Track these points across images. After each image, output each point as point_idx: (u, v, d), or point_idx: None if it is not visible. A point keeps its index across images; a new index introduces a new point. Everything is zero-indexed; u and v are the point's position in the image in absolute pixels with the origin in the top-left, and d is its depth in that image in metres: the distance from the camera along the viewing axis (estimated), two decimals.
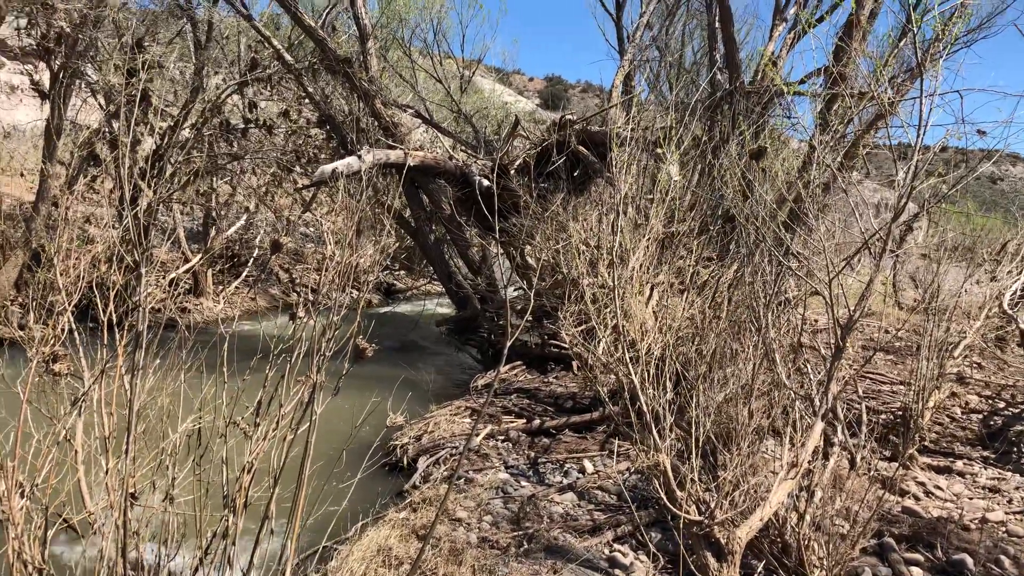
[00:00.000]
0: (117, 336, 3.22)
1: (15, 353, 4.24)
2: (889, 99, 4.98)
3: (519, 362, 9.04)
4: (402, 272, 17.21)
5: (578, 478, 5.48)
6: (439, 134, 12.04)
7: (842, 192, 6.43)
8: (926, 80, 3.90)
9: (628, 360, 3.49)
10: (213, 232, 12.99)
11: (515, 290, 11.79)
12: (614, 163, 5.11)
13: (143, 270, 2.49)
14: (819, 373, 4.84)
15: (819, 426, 3.72)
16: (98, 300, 3.31)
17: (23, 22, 9.37)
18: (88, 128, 10.63)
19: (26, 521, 2.87)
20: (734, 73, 9.42)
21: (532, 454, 6.01)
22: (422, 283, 16.14)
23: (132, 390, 2.52)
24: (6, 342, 4.71)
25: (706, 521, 3.14)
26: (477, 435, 5.54)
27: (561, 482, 5.42)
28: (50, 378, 3.05)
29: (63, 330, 3.01)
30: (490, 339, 10.03)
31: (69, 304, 3.04)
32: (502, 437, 6.35)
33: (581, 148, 9.80)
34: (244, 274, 13.81)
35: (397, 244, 13.54)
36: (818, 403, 3.80)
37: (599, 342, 5.58)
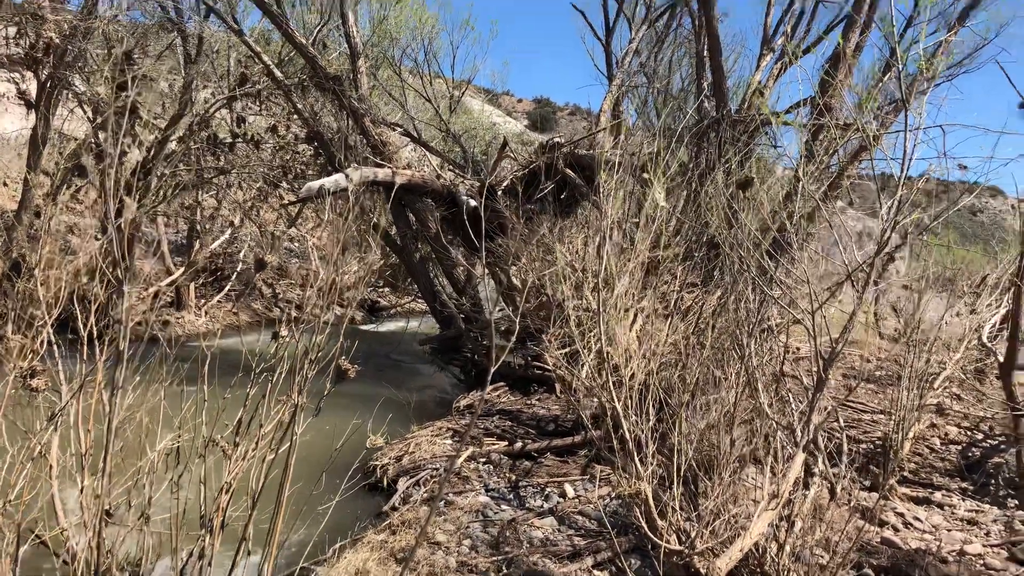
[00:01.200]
0: (97, 350, 3.18)
1: None
2: (874, 132, 5.05)
3: (502, 383, 9.02)
4: (386, 289, 17.17)
5: (559, 503, 5.45)
6: (427, 153, 12.07)
7: (826, 222, 6.50)
8: (910, 116, 3.97)
9: (612, 385, 3.49)
10: (197, 245, 12.91)
11: (499, 311, 11.79)
12: (601, 187, 5.14)
13: (126, 287, 2.47)
14: (801, 402, 4.86)
15: (800, 457, 3.73)
16: (78, 313, 3.28)
17: (11, 31, 9.32)
18: (75, 139, 10.57)
19: None
20: (721, 101, 9.53)
21: (513, 477, 5.98)
22: (406, 301, 16.10)
23: (111, 407, 2.48)
24: None
25: (686, 551, 3.13)
26: (460, 457, 5.51)
27: (542, 506, 5.39)
28: (27, 392, 3.01)
29: (42, 344, 2.97)
30: (473, 359, 10.00)
31: (50, 318, 3.00)
32: (483, 459, 6.31)
33: (568, 171, 9.86)
34: (227, 288, 13.72)
35: (382, 262, 13.52)
36: (800, 434, 3.81)
37: (583, 366, 5.59)
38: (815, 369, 3.91)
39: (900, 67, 4.31)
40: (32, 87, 10.35)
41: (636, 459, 3.27)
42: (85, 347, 3.18)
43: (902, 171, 3.82)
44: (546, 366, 8.92)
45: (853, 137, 6.60)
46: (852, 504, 4.76)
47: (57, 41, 8.76)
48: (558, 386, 8.53)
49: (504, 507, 5.35)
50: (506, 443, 6.66)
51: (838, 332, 3.93)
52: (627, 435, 3.33)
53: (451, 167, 11.51)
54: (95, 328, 3.25)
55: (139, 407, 2.97)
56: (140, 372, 3.18)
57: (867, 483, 5.99)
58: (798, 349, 9.21)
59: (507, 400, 8.53)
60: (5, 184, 12.89)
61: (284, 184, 12.45)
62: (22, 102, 11.01)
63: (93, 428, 3.06)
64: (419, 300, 14.98)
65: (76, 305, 3.35)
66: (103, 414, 3.10)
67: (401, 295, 16.65)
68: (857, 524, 4.06)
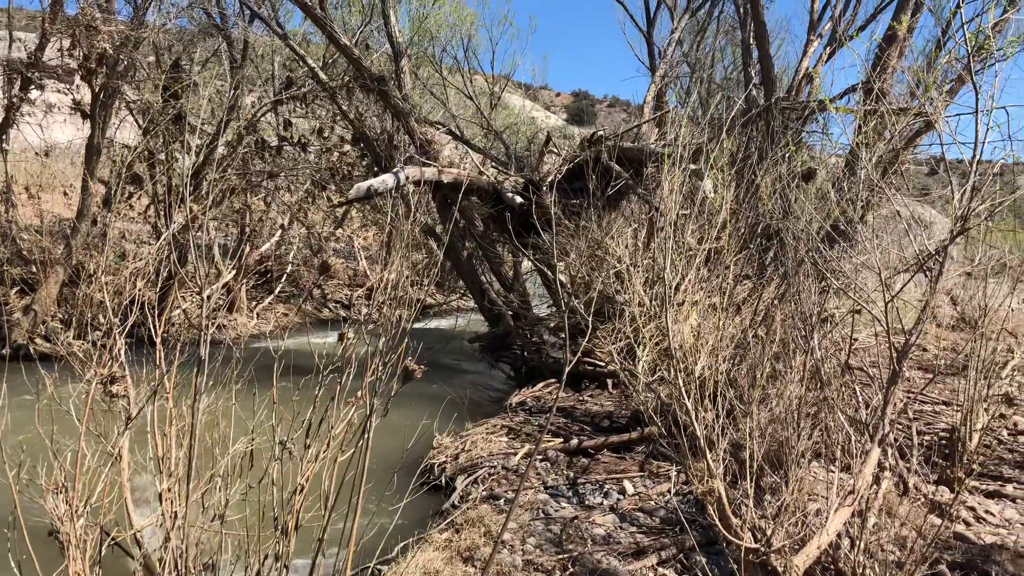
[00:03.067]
0: (160, 354, 3.23)
1: (47, 367, 4.27)
2: (935, 115, 4.90)
3: (553, 380, 9.00)
4: (431, 288, 17.25)
5: (619, 499, 5.40)
6: (469, 151, 12.09)
7: (886, 209, 6.34)
8: (980, 97, 3.83)
9: (681, 380, 3.44)
10: (247, 248, 13.11)
11: (547, 307, 11.75)
12: (655, 181, 5.08)
13: (206, 294, 2.49)
14: (868, 394, 4.74)
15: (876, 452, 3.63)
16: (147, 319, 3.33)
17: (66, 43, 9.55)
18: (127, 147, 10.80)
19: (81, 541, 2.87)
20: (770, 89, 9.36)
21: (571, 474, 5.95)
22: (453, 299, 16.16)
23: (193, 412, 2.52)
24: (54, 359, 4.76)
25: (763, 548, 3.07)
26: (527, 455, 5.49)
27: (602, 503, 5.35)
28: (104, 398, 3.07)
29: (119, 350, 3.02)
30: (523, 356, 9.98)
31: (123, 325, 3.06)
32: (540, 456, 6.30)
33: (614, 165, 9.78)
34: (277, 290, 13.92)
35: (429, 260, 13.60)
36: (873, 428, 3.71)
37: (639, 361, 5.53)
38: (886, 360, 3.81)
39: (967, 46, 4.17)
40: (85, 97, 10.61)
41: (708, 456, 3.22)
42: (160, 353, 3.23)
43: (975, 156, 3.69)
44: (597, 362, 8.87)
45: (912, 121, 6.43)
46: (925, 499, 4.63)
47: (110, 51, 8.95)
48: (610, 382, 8.48)
49: (564, 504, 5.33)
50: (561, 440, 6.63)
51: (903, 322, 3.82)
52: (697, 431, 3.28)
53: (494, 164, 11.50)
54: (158, 331, 3.30)
55: (214, 410, 3.01)
56: (211, 375, 3.22)
57: (935, 477, 5.84)
58: (855, 340, 9.01)
59: (559, 397, 8.50)
60: (65, 193, 13.23)
61: (331, 185, 12.57)
62: (76, 112, 11.28)
63: (168, 432, 3.10)
64: (466, 298, 15.03)
65: (145, 311, 3.41)
66: (175, 417, 3.15)
67: (447, 293, 16.72)
68: (932, 520, 3.95)
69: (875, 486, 4.07)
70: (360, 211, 16.04)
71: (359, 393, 3.04)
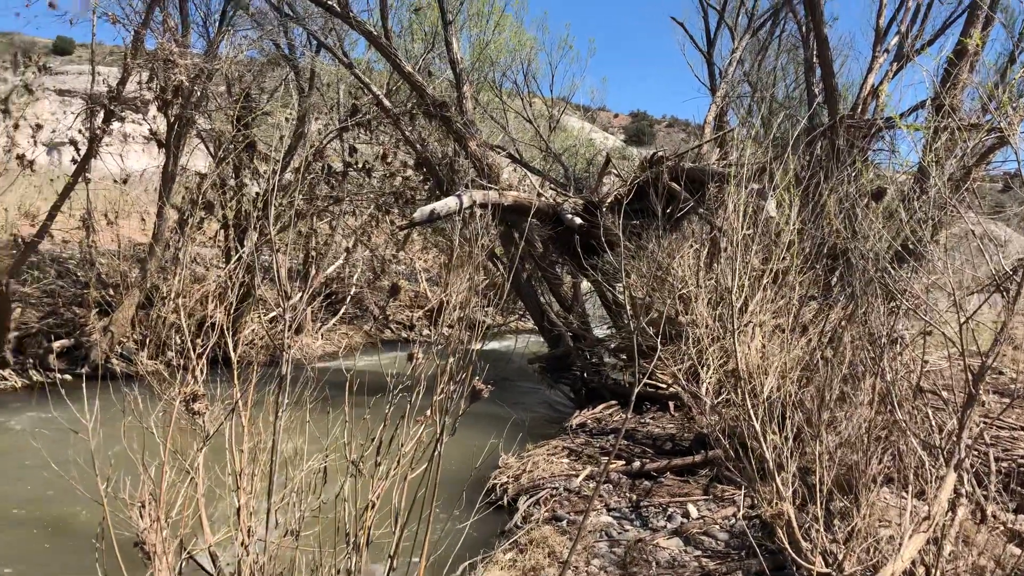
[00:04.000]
0: (236, 372, 3.36)
1: (126, 386, 4.46)
2: (1009, 130, 4.78)
3: (614, 401, 8.96)
4: (491, 308, 17.38)
5: (683, 523, 5.35)
6: (528, 173, 12.20)
7: (957, 228, 6.18)
8: None
9: (750, 404, 3.41)
10: (313, 271, 13.43)
11: (607, 328, 11.72)
12: (719, 202, 5.06)
13: (287, 315, 2.60)
14: (941, 418, 4.61)
15: (952, 477, 3.54)
16: (224, 339, 3.47)
17: (145, 76, 10.01)
18: (200, 174, 11.22)
19: (162, 553, 3.00)
20: (834, 106, 9.23)
21: (634, 497, 5.91)
22: (512, 320, 16.23)
23: (275, 430, 2.62)
24: (135, 378, 4.98)
25: (834, 573, 3.02)
26: (595, 481, 5.49)
27: (665, 526, 5.30)
28: (187, 416, 3.20)
29: (200, 370, 3.16)
30: (583, 377, 9.98)
31: (205, 346, 3.19)
32: (603, 479, 6.28)
33: (674, 184, 9.74)
34: (341, 311, 14.21)
35: (489, 281, 13.71)
36: (948, 453, 3.62)
37: (704, 383, 5.49)
38: (959, 383, 3.71)
39: None
40: (161, 126, 11.09)
41: (777, 480, 3.18)
42: (232, 371, 3.36)
43: None
44: (658, 384, 8.81)
45: (984, 137, 6.26)
46: (1004, 527, 4.47)
47: (186, 83, 9.35)
48: (672, 404, 8.40)
49: (627, 527, 5.30)
50: (624, 462, 6.60)
51: (976, 344, 3.72)
52: (766, 454, 3.25)
53: (552, 185, 11.58)
54: (232, 352, 3.44)
55: (291, 428, 3.11)
56: (282, 394, 3.33)
57: (1013, 505, 5.62)
58: (926, 362, 8.74)
59: (620, 419, 8.46)
60: (142, 219, 13.78)
61: (395, 209, 12.82)
62: (151, 142, 11.78)
63: (245, 449, 3.22)
64: (524, 319, 15.08)
65: (215, 332, 3.55)
66: (252, 435, 3.27)
67: (506, 314, 16.81)
68: (1012, 550, 3.82)
69: (951, 513, 3.95)
70: (421, 234, 16.29)
71: (428, 412, 3.11)
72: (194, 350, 3.15)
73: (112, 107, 9.15)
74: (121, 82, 9.26)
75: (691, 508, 5.62)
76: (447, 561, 3.54)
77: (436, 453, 2.84)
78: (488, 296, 14.08)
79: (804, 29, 10.96)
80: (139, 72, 9.69)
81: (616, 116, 63.66)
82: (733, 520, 5.35)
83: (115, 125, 10.13)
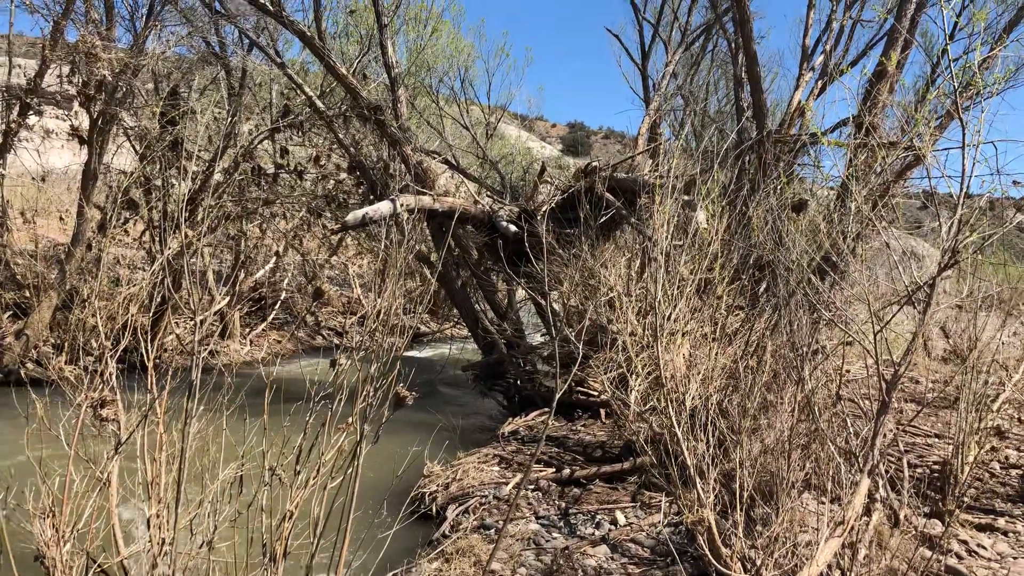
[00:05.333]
0: (152, 379, 3.23)
1: (48, 392, 4.25)
2: (924, 149, 4.97)
3: (547, 409, 8.97)
4: (425, 316, 17.26)
5: (610, 530, 5.37)
6: (465, 180, 12.17)
7: (875, 243, 6.39)
8: (967, 132, 3.89)
9: (673, 410, 3.44)
10: (242, 275, 13.11)
11: (540, 336, 11.76)
12: (651, 212, 5.12)
13: (199, 317, 2.50)
14: (858, 426, 4.75)
15: (865, 482, 3.63)
16: (140, 344, 3.34)
17: (66, 69, 9.63)
18: (124, 172, 10.84)
19: (67, 567, 2.85)
20: (762, 121, 9.47)
21: (563, 504, 5.92)
22: (447, 327, 16.14)
23: (183, 437, 2.51)
24: (45, 383, 4.75)
25: None
26: (517, 486, 5.47)
27: (593, 534, 5.32)
28: (94, 422, 3.06)
29: (110, 375, 3.02)
30: (516, 385, 9.97)
31: (115, 350, 3.06)
32: (532, 486, 6.27)
33: (608, 195, 9.84)
34: (271, 317, 13.90)
35: (422, 288, 13.61)
36: (863, 459, 3.72)
37: (632, 390, 5.53)
38: (876, 392, 3.83)
39: (955, 82, 4.24)
40: (83, 123, 10.67)
41: (699, 486, 3.22)
42: (150, 377, 3.23)
43: (961, 189, 3.74)
44: (590, 391, 8.85)
45: (901, 155, 6.50)
46: (916, 532, 4.62)
47: (109, 78, 9.02)
48: (603, 411, 8.46)
49: (555, 535, 5.29)
50: (553, 470, 6.60)
51: (899, 357, 3.84)
52: (688, 460, 3.28)
53: (489, 193, 11.58)
54: (150, 357, 3.30)
55: (206, 436, 3.00)
56: (202, 401, 3.22)
57: (926, 509, 5.82)
58: (847, 372, 9.02)
59: (551, 426, 8.47)
60: (62, 219, 13.24)
61: (327, 213, 12.62)
62: (73, 138, 11.33)
63: (158, 457, 3.09)
64: (459, 326, 15.02)
65: (138, 335, 3.41)
66: (166, 443, 3.14)
67: (440, 321, 16.71)
68: (923, 553, 3.94)
69: (866, 517, 4.06)
70: (355, 239, 16.08)
71: (350, 419, 3.04)
72: (105, 355, 3.01)
73: (29, 100, 8.76)
74: (39, 74, 8.88)
75: (619, 515, 5.65)
76: (370, 571, 3.47)
77: (356, 462, 2.77)
78: (420, 302, 13.98)
79: (734, 45, 11.23)
80: (59, 65, 9.31)
81: (554, 126, 64.23)
82: (659, 527, 5.40)
83: (34, 120, 9.71)
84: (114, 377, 3.37)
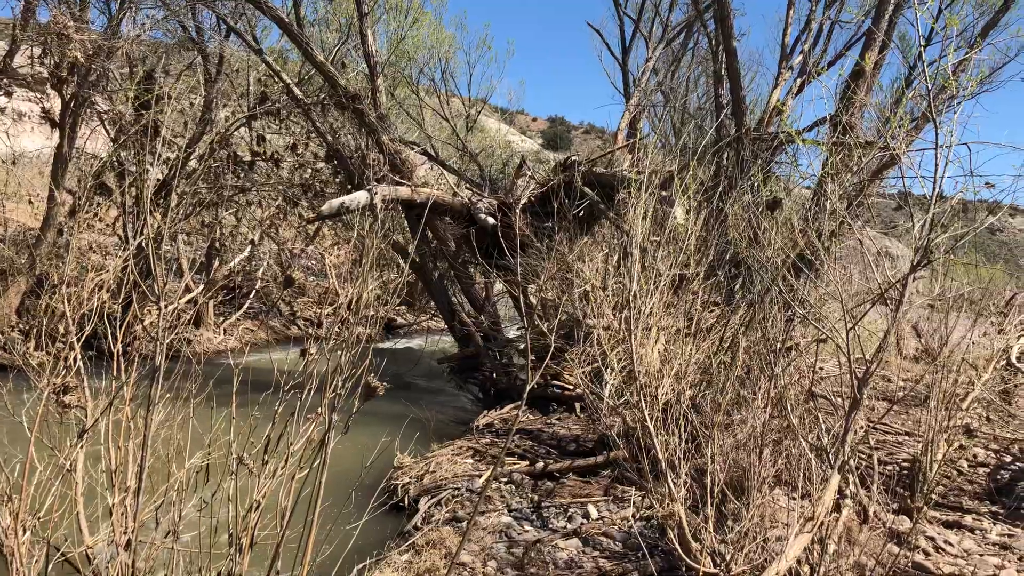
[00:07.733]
0: (122, 367, 3.17)
1: (12, 377, 4.17)
2: (899, 150, 5.00)
3: (521, 402, 8.97)
4: (403, 307, 17.17)
5: (583, 523, 5.37)
6: (444, 171, 12.11)
7: (850, 241, 6.43)
8: (940, 133, 3.92)
9: (646, 405, 3.44)
10: (216, 263, 12.96)
11: (517, 329, 11.75)
12: (627, 207, 5.11)
13: (163, 304, 2.45)
14: (830, 422, 4.78)
15: (835, 478, 3.66)
16: (108, 330, 3.28)
17: (37, 51, 9.44)
18: (97, 157, 10.66)
19: (27, 556, 2.79)
20: (740, 119, 9.50)
21: (535, 497, 5.91)
22: (423, 319, 16.08)
23: (146, 424, 2.46)
24: (10, 369, 4.66)
25: (722, 573, 3.07)
26: (487, 479, 5.45)
27: (565, 527, 5.31)
28: (57, 408, 3.00)
29: (73, 361, 2.96)
30: (492, 378, 9.96)
31: (80, 335, 3.00)
32: (505, 479, 6.25)
33: (587, 189, 9.84)
34: (246, 306, 13.76)
35: (399, 279, 13.54)
36: (834, 456, 3.74)
37: (607, 384, 5.53)
38: (848, 388, 3.85)
39: (928, 85, 4.27)
40: (55, 106, 10.48)
41: (670, 480, 3.22)
42: (117, 363, 3.17)
43: (934, 189, 3.77)
44: (566, 385, 8.86)
45: (876, 155, 6.55)
46: (884, 528, 4.66)
47: (82, 61, 8.86)
48: (578, 405, 8.47)
49: (527, 528, 5.29)
50: (527, 463, 6.59)
51: (871, 354, 3.87)
52: (659, 455, 3.28)
53: (468, 185, 11.54)
54: (119, 344, 3.24)
55: (171, 424, 2.95)
56: (170, 389, 3.17)
57: (895, 506, 5.88)
58: (820, 368, 9.10)
59: (526, 419, 8.47)
60: (31, 203, 13.01)
61: (303, 202, 12.51)
62: (45, 121, 11.12)
63: (123, 445, 3.04)
64: (436, 318, 14.97)
65: (104, 322, 3.35)
66: (132, 431, 3.09)
67: (417, 313, 16.64)
68: (891, 549, 3.98)
69: (835, 513, 4.09)
70: (332, 228, 15.96)
71: (319, 409, 3.00)
72: (71, 340, 2.95)
73: None
74: (9, 55, 8.69)
75: (591, 509, 5.65)
76: (337, 563, 3.43)
77: (324, 451, 2.74)
78: (396, 293, 13.91)
79: (714, 42, 11.26)
80: (31, 46, 9.12)
81: (535, 120, 64.18)
82: (632, 521, 5.41)
83: (4, 101, 9.52)
84: (80, 363, 3.31)
